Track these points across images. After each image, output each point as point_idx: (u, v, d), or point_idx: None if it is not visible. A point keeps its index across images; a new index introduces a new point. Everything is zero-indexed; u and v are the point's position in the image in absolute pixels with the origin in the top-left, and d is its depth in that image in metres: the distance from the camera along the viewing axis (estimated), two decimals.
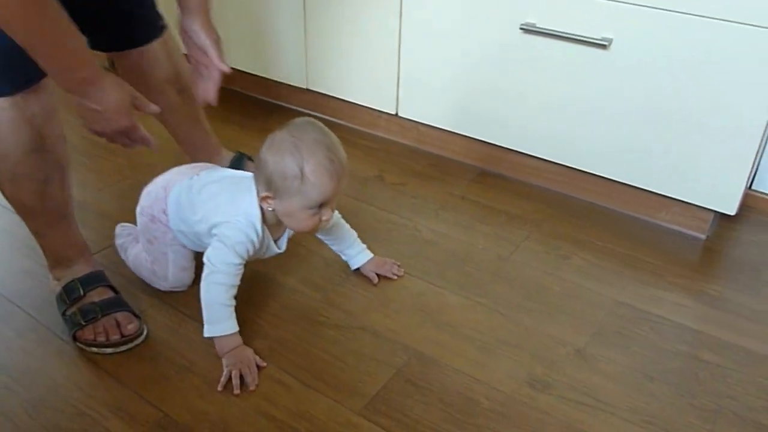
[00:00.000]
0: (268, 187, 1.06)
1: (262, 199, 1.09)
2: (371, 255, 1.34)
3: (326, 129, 1.08)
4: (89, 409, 1.05)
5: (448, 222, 1.53)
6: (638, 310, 1.29)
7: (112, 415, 1.03)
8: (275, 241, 1.18)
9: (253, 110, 2.07)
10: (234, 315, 1.11)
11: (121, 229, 1.38)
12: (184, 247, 1.24)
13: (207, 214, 1.14)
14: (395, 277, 1.34)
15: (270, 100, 2.12)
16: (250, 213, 1.11)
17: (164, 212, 1.20)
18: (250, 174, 1.15)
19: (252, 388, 1.08)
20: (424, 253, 1.42)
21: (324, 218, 1.09)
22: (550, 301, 1.30)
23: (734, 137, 1.36)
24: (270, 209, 1.09)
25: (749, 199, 1.64)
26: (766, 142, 1.55)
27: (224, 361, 1.10)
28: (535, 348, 1.19)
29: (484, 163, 1.76)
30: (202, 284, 1.10)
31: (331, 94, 1.93)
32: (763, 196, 1.63)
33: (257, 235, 1.11)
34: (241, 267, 1.11)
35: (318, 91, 1.95)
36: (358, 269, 1.34)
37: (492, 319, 1.25)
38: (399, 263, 1.37)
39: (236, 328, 1.11)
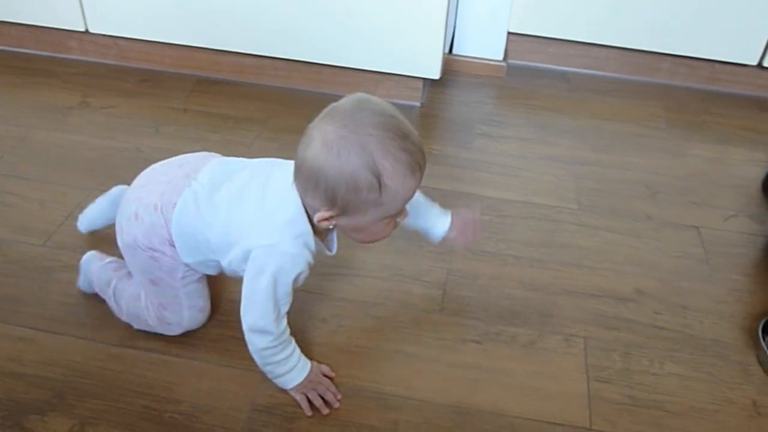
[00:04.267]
0: (331, 203, 0.84)
1: (320, 220, 0.87)
2: (449, 217, 1.09)
3: (381, 102, 0.85)
4: None
5: (173, 137, 1.53)
6: None
7: None
8: (325, 244, 0.99)
9: None
10: (297, 355, 0.98)
11: (104, 263, 1.09)
12: (200, 280, 1.02)
13: (235, 234, 0.92)
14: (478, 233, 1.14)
15: None
16: (296, 226, 0.90)
17: (169, 242, 0.95)
18: (273, 160, 0.98)
19: (336, 405, 0.98)
20: None
21: (400, 219, 0.91)
22: None
23: (422, 6, 1.53)
24: (330, 227, 0.90)
25: (453, 64, 1.88)
26: (455, 10, 1.78)
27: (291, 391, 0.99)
28: None
29: (200, 70, 1.75)
30: (249, 350, 0.94)
31: (7, 20, 1.74)
32: (464, 59, 1.89)
33: (311, 254, 0.93)
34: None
35: None
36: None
37: None
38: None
39: (308, 364, 0.99)
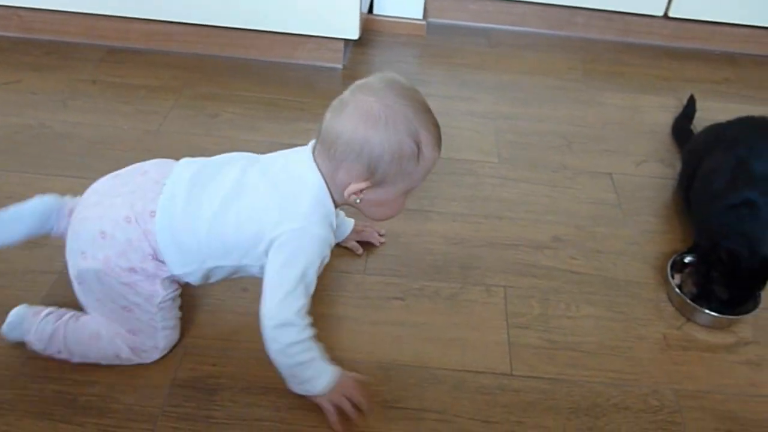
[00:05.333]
0: (371, 173, 0.86)
1: (352, 193, 0.89)
2: (352, 220, 1.18)
3: (403, 78, 0.90)
4: None
5: (82, 110, 1.47)
6: (289, 144, 1.43)
7: None
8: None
9: None
10: (323, 360, 0.91)
11: (42, 317, 0.94)
12: (175, 298, 0.95)
13: (251, 229, 0.88)
14: (378, 244, 1.21)
15: None
16: (323, 206, 0.89)
17: (152, 257, 0.88)
18: (250, 155, 0.96)
19: (353, 417, 0.92)
20: (59, 149, 1.36)
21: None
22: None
23: None
24: (358, 201, 0.91)
25: (374, 24, 1.88)
26: None
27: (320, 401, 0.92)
28: None
29: (109, 40, 1.69)
30: (271, 351, 0.88)
31: None
32: (384, 18, 1.88)
33: (333, 234, 0.92)
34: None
35: None
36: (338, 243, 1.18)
37: None
38: (382, 231, 1.22)
39: (332, 380, 0.91)
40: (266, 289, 0.87)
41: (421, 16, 1.87)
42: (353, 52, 1.77)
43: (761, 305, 1.12)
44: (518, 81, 1.73)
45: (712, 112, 1.52)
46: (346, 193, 0.89)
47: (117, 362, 0.95)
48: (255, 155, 0.97)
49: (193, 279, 0.93)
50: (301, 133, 1.45)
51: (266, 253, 0.87)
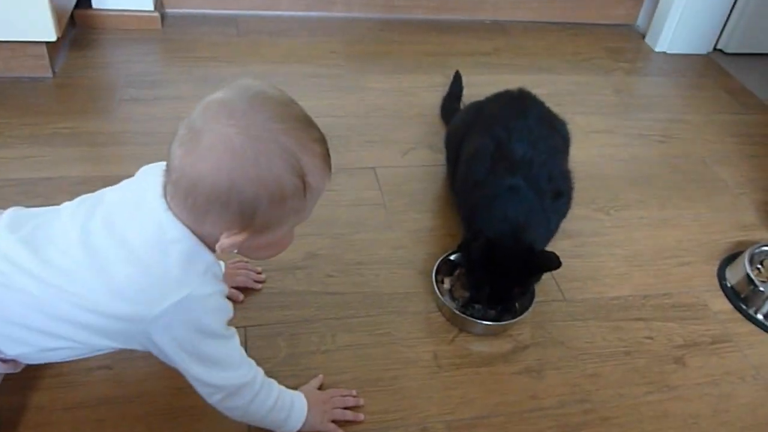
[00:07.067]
0: (247, 223, 0.67)
1: (227, 248, 0.69)
2: (221, 264, 0.90)
3: (269, 86, 0.69)
4: None
5: None
6: None
7: None
8: None
9: None
10: (286, 390, 0.81)
11: None
12: None
13: (106, 309, 0.68)
14: (258, 286, 1.02)
15: None
16: (198, 259, 0.69)
17: None
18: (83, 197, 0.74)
19: (362, 402, 0.88)
20: None
21: None
22: None
23: None
24: (235, 251, 0.72)
25: (95, 20, 1.58)
26: None
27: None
28: None
29: None
30: (237, 418, 0.78)
31: None
32: (108, 12, 1.58)
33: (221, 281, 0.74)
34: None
35: None
36: None
37: None
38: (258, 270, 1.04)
39: (304, 404, 0.83)
40: (189, 376, 0.72)
41: (152, 7, 1.61)
42: (70, 56, 1.48)
43: (536, 299, 1.01)
44: (271, 71, 1.53)
45: (482, 87, 1.40)
46: (218, 249, 0.69)
47: None
48: (92, 198, 0.74)
49: (30, 359, 0.75)
50: None
51: (139, 338, 0.70)
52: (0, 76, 1.38)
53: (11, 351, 0.71)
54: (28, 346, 0.71)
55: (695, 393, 0.95)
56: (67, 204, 0.74)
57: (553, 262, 0.95)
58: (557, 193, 1.06)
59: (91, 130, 1.28)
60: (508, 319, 0.99)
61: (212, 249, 0.70)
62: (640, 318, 1.05)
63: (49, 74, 1.41)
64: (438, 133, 1.38)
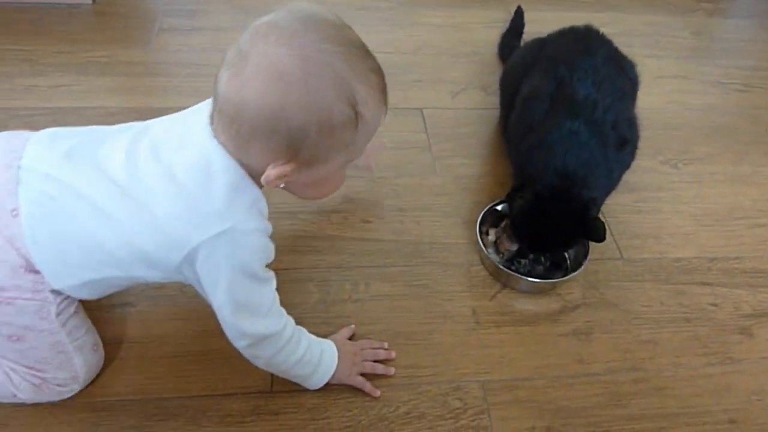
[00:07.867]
0: (293, 154, 0.63)
1: (274, 180, 0.65)
2: None
3: (322, 8, 0.63)
4: None
5: None
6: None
7: None
8: None
9: None
10: (317, 341, 0.79)
11: None
12: (77, 310, 0.74)
13: (151, 237, 0.65)
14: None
15: None
16: (245, 193, 0.66)
17: (26, 268, 0.66)
18: (137, 127, 0.71)
19: (393, 356, 0.84)
20: None
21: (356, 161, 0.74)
22: None
23: None
24: (281, 185, 0.69)
25: None
26: None
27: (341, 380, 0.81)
28: None
29: None
30: (260, 366, 0.76)
31: None
32: None
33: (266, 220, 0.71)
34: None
35: None
36: None
37: None
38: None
39: (335, 355, 0.80)
40: (220, 315, 0.70)
41: None
42: None
43: (591, 257, 0.93)
44: (317, 2, 1.45)
45: (545, 24, 1.28)
46: (264, 180, 0.66)
47: (18, 401, 0.75)
48: (138, 125, 0.71)
49: (87, 294, 0.72)
50: (23, 93, 1.14)
51: (181, 269, 0.67)
52: (37, 1, 1.35)
53: (56, 284, 0.69)
54: (73, 279, 0.68)
55: (761, 367, 0.87)
56: (112, 127, 0.72)
57: (596, 234, 0.87)
58: (622, 141, 0.97)
59: (127, 59, 1.24)
60: (558, 277, 0.93)
61: (260, 184, 0.67)
62: (705, 282, 0.97)
63: (89, 1, 1.37)
64: (493, 73, 1.28)
